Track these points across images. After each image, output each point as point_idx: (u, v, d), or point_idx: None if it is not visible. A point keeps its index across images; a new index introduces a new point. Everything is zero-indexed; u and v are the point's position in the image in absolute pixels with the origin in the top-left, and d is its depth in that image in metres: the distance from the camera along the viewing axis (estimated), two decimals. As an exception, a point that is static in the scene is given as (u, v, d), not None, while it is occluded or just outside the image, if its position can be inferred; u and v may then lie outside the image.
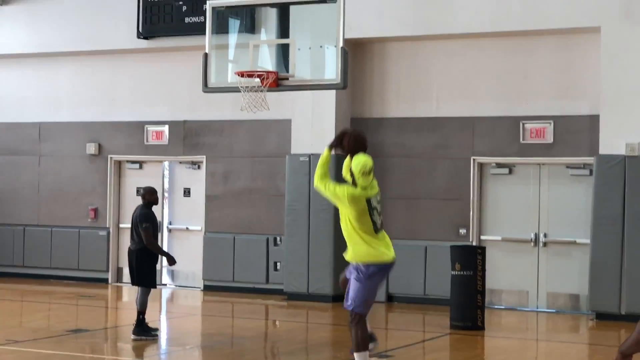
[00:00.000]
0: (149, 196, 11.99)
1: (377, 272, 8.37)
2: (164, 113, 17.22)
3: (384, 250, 8.35)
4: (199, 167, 17.07)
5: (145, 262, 11.79)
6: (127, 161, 17.66)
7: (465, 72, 15.07)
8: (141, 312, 11.66)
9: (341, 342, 11.60)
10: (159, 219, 16.89)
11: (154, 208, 12.04)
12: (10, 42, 18.13)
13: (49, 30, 17.72)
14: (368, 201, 8.28)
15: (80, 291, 16.47)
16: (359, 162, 8.22)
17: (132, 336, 11.64)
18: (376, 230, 8.34)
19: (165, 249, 16.66)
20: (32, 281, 17.54)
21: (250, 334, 12.62)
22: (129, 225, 15.52)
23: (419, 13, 14.95)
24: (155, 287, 12.02)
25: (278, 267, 16.03)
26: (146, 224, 11.72)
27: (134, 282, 11.96)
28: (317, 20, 11.68)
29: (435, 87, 15.27)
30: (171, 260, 12.13)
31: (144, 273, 11.80)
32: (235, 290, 16.26)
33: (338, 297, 15.22)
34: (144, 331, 11.63)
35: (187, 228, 17.19)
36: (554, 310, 14.53)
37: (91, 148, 17.72)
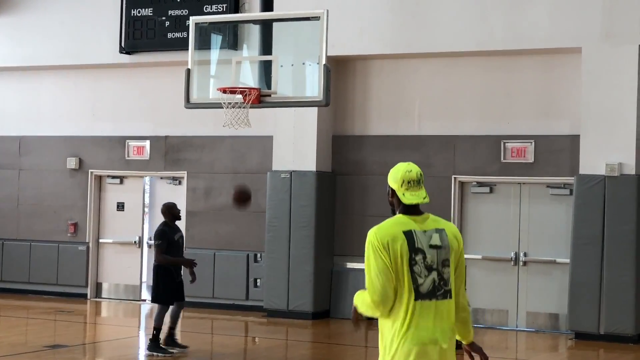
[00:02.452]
0: (167, 211, 12.05)
1: None
2: (146, 128, 17.17)
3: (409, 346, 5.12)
4: (180, 183, 17.01)
5: (160, 280, 11.84)
6: (108, 176, 17.56)
7: (447, 91, 15.11)
8: (156, 328, 11.65)
9: (320, 359, 11.55)
10: (139, 234, 16.97)
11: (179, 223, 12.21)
12: (-8, 55, 18.07)
13: (31, 43, 17.66)
14: (410, 238, 5.12)
15: (58, 306, 16.35)
16: (398, 171, 5.22)
17: (146, 351, 11.70)
18: (418, 295, 5.17)
19: (144, 265, 16.63)
20: (10, 296, 17.39)
21: (230, 350, 12.56)
22: (109, 240, 15.36)
23: (402, 31, 14.99)
24: (167, 305, 11.94)
25: (258, 284, 15.98)
26: (158, 242, 11.83)
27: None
28: (299, 38, 11.70)
29: (417, 105, 15.31)
30: (189, 264, 12.02)
31: (157, 290, 11.90)
32: (215, 307, 16.19)
33: (318, 315, 15.22)
34: (156, 347, 11.62)
35: (167, 244, 17.09)
36: (533, 330, 14.54)
37: (72, 162, 17.63)
